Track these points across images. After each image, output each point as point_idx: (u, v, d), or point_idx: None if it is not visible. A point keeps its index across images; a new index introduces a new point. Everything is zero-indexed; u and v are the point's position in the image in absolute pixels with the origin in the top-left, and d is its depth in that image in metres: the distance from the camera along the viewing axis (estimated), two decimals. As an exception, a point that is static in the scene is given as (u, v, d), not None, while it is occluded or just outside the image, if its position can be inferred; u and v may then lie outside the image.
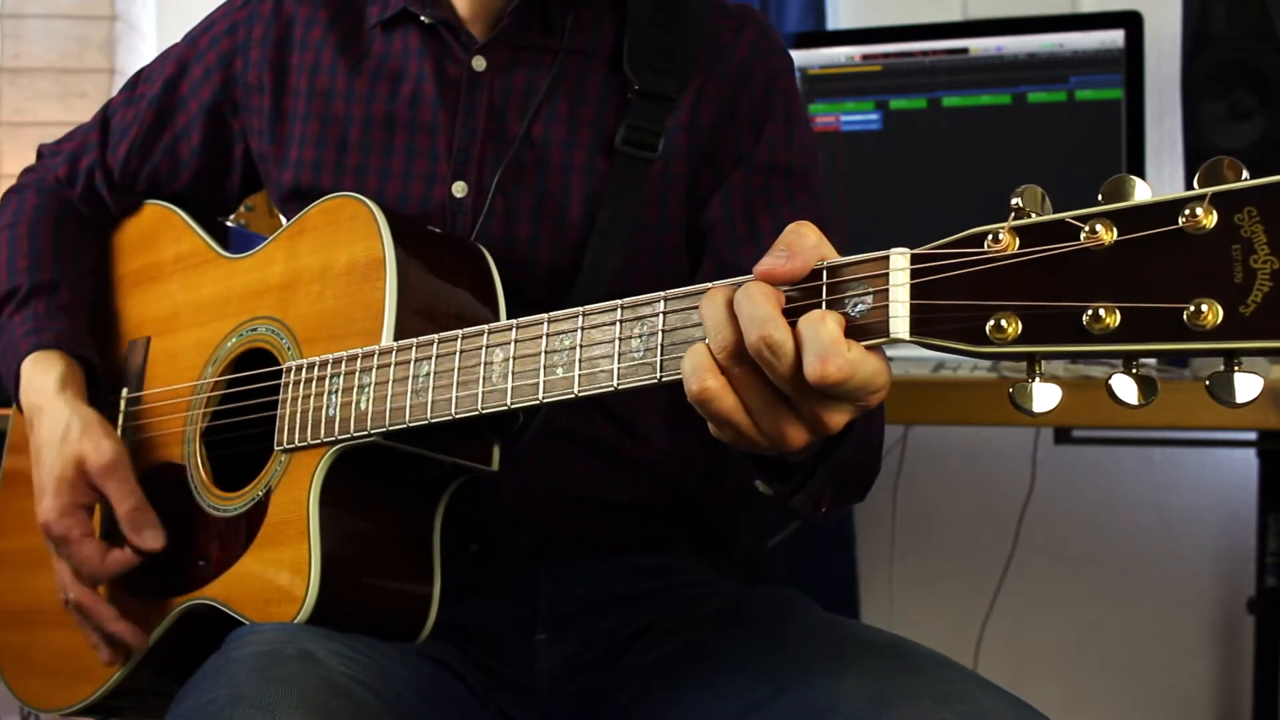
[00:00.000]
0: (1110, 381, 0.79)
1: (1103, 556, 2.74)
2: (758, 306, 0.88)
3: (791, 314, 0.88)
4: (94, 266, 1.55)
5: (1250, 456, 2.49)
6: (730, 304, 0.90)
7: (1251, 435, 2.38)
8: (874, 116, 2.35)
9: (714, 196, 1.37)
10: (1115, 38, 2.23)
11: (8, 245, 1.53)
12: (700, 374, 0.91)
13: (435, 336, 1.14)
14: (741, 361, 0.90)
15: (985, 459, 2.71)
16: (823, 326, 0.86)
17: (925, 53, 2.33)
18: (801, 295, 0.90)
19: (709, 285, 0.95)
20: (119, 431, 1.44)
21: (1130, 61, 2.22)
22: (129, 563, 1.32)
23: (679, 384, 0.94)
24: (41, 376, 1.41)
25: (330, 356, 1.22)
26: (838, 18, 2.82)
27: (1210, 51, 2.07)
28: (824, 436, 0.93)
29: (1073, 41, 2.25)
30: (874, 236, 0.89)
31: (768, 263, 0.90)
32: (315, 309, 1.27)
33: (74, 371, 1.42)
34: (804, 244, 0.90)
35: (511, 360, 1.07)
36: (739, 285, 0.90)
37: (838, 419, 0.91)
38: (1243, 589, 2.55)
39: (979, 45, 2.31)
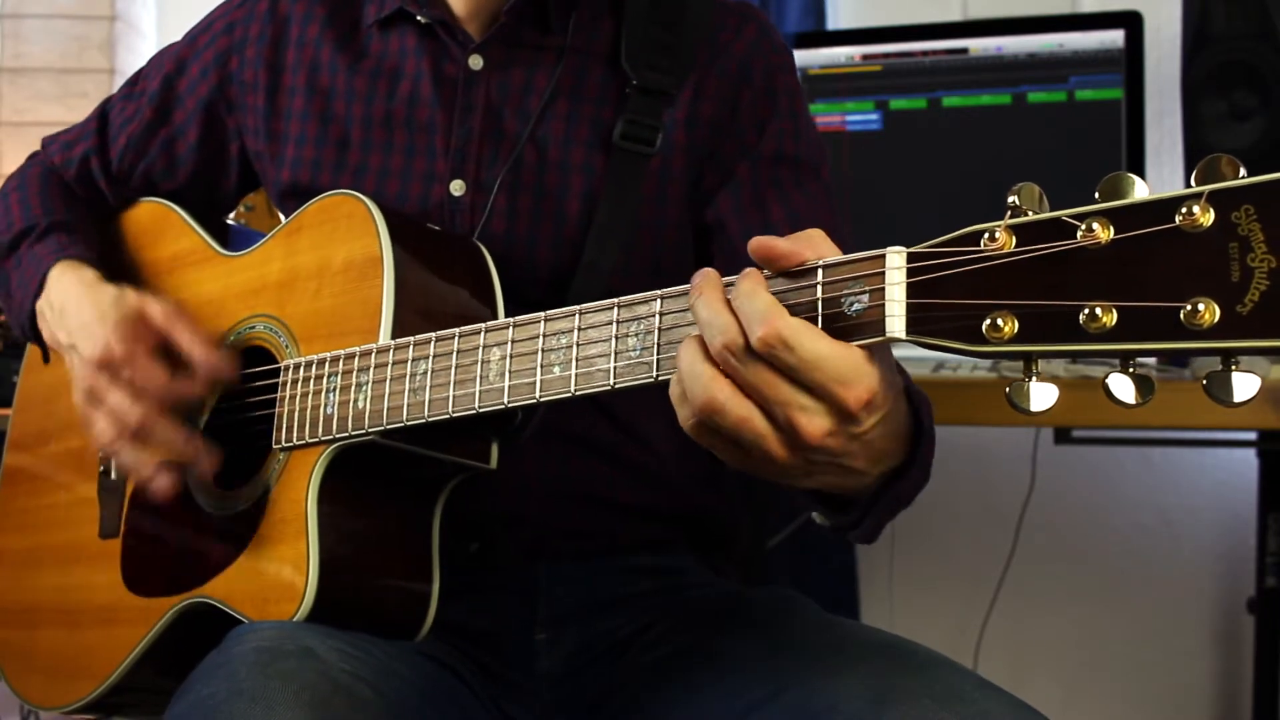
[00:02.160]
0: (1107, 381, 0.79)
1: (1103, 556, 2.74)
2: (757, 298, 0.87)
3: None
4: (99, 238, 1.55)
5: (1250, 456, 2.49)
6: (725, 299, 0.89)
7: (1251, 435, 2.38)
8: (874, 116, 2.35)
9: (721, 192, 1.37)
10: (1115, 38, 2.23)
11: (19, 201, 1.53)
12: (706, 382, 0.88)
13: (433, 335, 1.14)
14: (751, 358, 0.87)
15: (985, 459, 2.71)
16: (754, 298, 0.86)
17: (925, 53, 2.33)
18: (797, 293, 0.89)
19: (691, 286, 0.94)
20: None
21: (1130, 61, 2.22)
22: (195, 392, 1.29)
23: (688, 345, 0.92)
24: (76, 274, 1.40)
25: (328, 355, 1.22)
26: (838, 18, 2.82)
27: (1210, 51, 2.07)
28: (805, 453, 0.89)
29: (1073, 41, 2.25)
30: (874, 237, 0.89)
31: (766, 237, 0.90)
32: (313, 307, 1.27)
33: (108, 280, 1.40)
34: (811, 241, 0.90)
35: (509, 359, 1.07)
36: (730, 284, 0.90)
37: (813, 424, 0.87)
38: (1243, 589, 2.55)
39: (979, 45, 2.31)
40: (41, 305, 1.42)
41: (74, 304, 1.37)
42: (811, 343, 0.85)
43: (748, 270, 0.90)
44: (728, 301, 0.89)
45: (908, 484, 1.02)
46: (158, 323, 1.31)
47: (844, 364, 0.86)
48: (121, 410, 1.28)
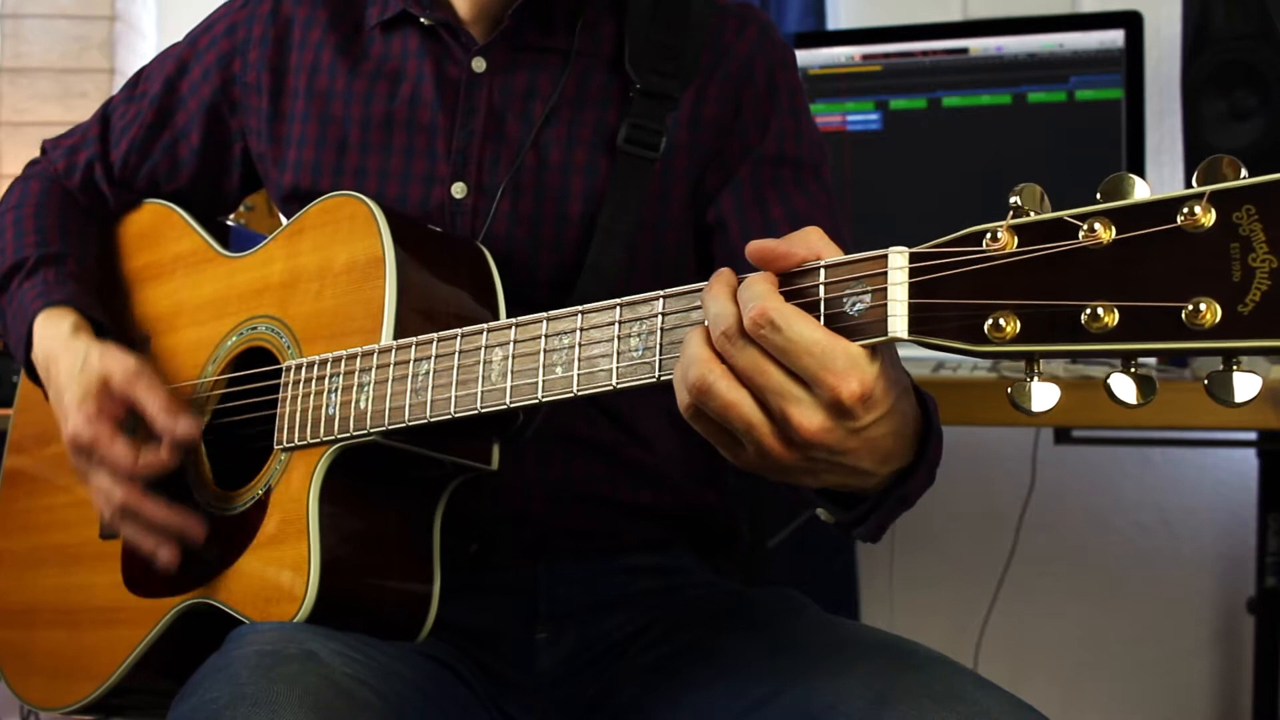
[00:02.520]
0: (1109, 381, 0.79)
1: (1103, 557, 2.74)
2: (755, 285, 0.88)
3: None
4: (97, 252, 1.55)
5: (1250, 456, 2.49)
6: (734, 292, 0.90)
7: (1251, 435, 2.38)
8: (874, 116, 2.35)
9: (723, 191, 1.37)
10: (1115, 38, 2.23)
11: (13, 225, 1.53)
12: (700, 364, 0.88)
13: (434, 335, 1.14)
14: (744, 341, 0.87)
15: (985, 459, 2.71)
16: (753, 285, 0.87)
17: (925, 53, 2.33)
18: (799, 293, 0.89)
19: (706, 284, 0.95)
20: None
21: (1130, 61, 2.23)
22: (163, 462, 1.29)
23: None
24: (55, 326, 1.41)
25: (330, 355, 1.22)
26: (838, 18, 2.82)
27: (1210, 51, 2.07)
28: (799, 449, 0.89)
29: (1073, 41, 2.25)
30: (874, 237, 0.89)
31: (762, 240, 0.90)
32: (315, 308, 1.27)
33: (85, 323, 1.42)
34: (806, 238, 0.90)
35: (511, 359, 1.07)
36: (742, 278, 0.90)
37: (807, 418, 0.87)
38: (1243, 589, 2.55)
39: (979, 45, 2.31)
40: (35, 357, 1.44)
41: (54, 366, 1.39)
42: (801, 325, 0.86)
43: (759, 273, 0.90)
44: (734, 294, 0.89)
45: (915, 484, 1.02)
46: (119, 391, 1.32)
47: (835, 353, 0.85)
48: (105, 492, 1.31)
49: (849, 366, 0.85)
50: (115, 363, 1.33)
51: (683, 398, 0.91)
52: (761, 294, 0.87)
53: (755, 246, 0.90)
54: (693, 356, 0.89)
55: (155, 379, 1.33)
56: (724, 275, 0.91)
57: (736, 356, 0.87)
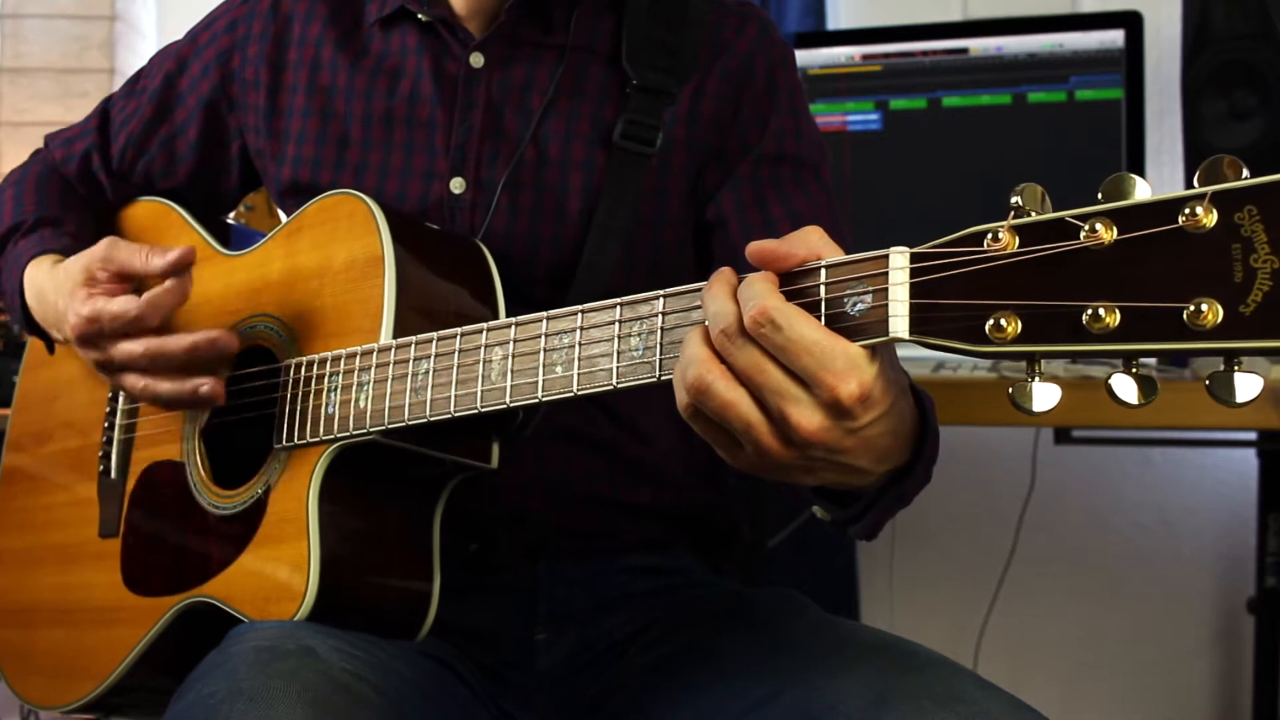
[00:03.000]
0: (1110, 381, 0.79)
1: (1103, 557, 2.74)
2: (755, 284, 0.88)
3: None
4: (95, 231, 1.55)
5: (1250, 456, 2.49)
6: (734, 291, 0.90)
7: (1251, 435, 2.38)
8: (874, 116, 2.35)
9: (722, 189, 1.37)
10: (1115, 38, 2.23)
11: (14, 198, 1.54)
12: (699, 364, 0.89)
13: (434, 334, 1.14)
14: (743, 339, 0.87)
15: (985, 459, 2.71)
16: (753, 284, 0.87)
17: (925, 53, 2.33)
18: (800, 293, 0.89)
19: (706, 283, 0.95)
20: (115, 430, 1.44)
21: (1130, 61, 2.23)
22: (168, 292, 1.27)
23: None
24: (40, 267, 1.43)
25: (329, 354, 1.22)
26: (838, 18, 2.82)
27: (1210, 51, 2.07)
28: (798, 448, 0.89)
29: (1073, 41, 2.25)
30: (874, 237, 0.89)
31: (762, 241, 0.90)
32: (314, 306, 1.27)
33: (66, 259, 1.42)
34: (806, 238, 0.90)
35: (510, 358, 1.07)
36: (742, 277, 0.90)
37: (805, 418, 0.87)
38: (1243, 589, 2.55)
39: (979, 45, 2.31)
40: (29, 302, 1.44)
41: (47, 295, 1.39)
42: (802, 325, 0.86)
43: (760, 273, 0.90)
44: (735, 293, 0.89)
45: (911, 483, 1.02)
46: (101, 270, 1.32)
47: (834, 353, 0.85)
48: (129, 356, 1.29)
49: (848, 367, 0.85)
50: (89, 252, 1.34)
51: (681, 398, 0.91)
52: (762, 293, 0.87)
53: (755, 247, 0.90)
54: (691, 356, 0.89)
55: (127, 242, 1.33)
56: (724, 274, 0.91)
57: (736, 355, 0.87)
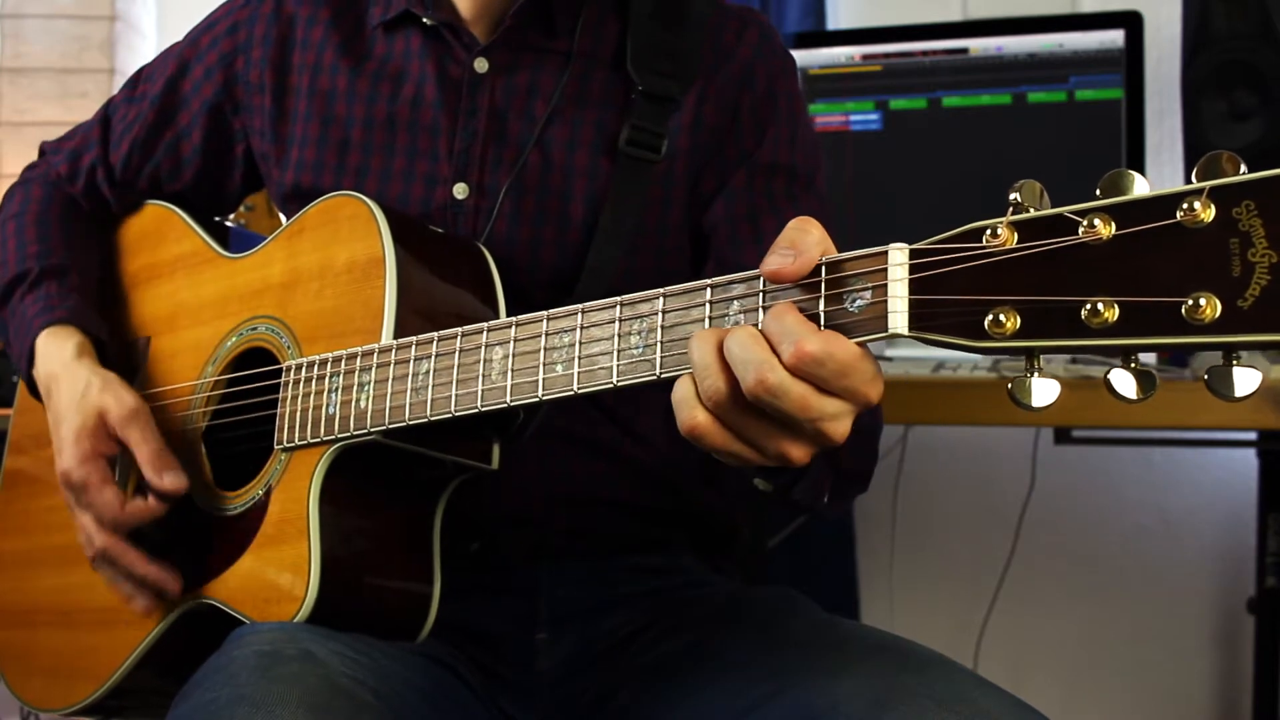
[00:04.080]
0: (1109, 376, 0.79)
1: (1103, 556, 2.74)
2: (749, 351, 0.88)
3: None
4: (100, 259, 1.55)
5: (1250, 456, 2.49)
6: (720, 348, 0.90)
7: (1251, 435, 2.38)
8: (874, 116, 2.35)
9: (717, 198, 1.37)
10: (1115, 38, 2.23)
11: (15, 234, 1.53)
12: (689, 408, 0.92)
13: (435, 334, 1.14)
14: (734, 404, 0.90)
15: (985, 459, 2.71)
16: (785, 316, 0.88)
17: (925, 53, 2.33)
18: (801, 291, 0.89)
19: (707, 282, 0.95)
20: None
21: (1130, 61, 2.23)
22: (150, 510, 1.29)
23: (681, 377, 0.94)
24: (59, 346, 1.41)
25: (330, 355, 1.22)
26: (838, 18, 2.83)
27: (1210, 51, 2.08)
28: (830, 447, 0.92)
29: (1073, 41, 2.26)
30: (873, 237, 0.89)
31: (774, 262, 0.90)
32: (315, 308, 1.27)
33: (88, 344, 1.42)
34: (808, 241, 0.90)
35: (511, 357, 1.07)
36: (728, 332, 0.90)
37: (841, 427, 0.90)
38: (1243, 589, 2.55)
39: (979, 45, 2.31)
40: (37, 377, 1.44)
41: (55, 389, 1.39)
42: (839, 350, 0.87)
43: (775, 308, 0.90)
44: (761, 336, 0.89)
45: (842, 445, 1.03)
46: (115, 431, 1.32)
47: (867, 367, 0.88)
48: (89, 535, 1.32)
49: (868, 369, 0.88)
50: (113, 400, 1.33)
51: (694, 417, 0.92)
52: (797, 327, 0.87)
53: (769, 271, 0.91)
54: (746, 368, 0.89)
55: (150, 422, 1.33)
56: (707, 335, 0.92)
57: (781, 400, 0.88)
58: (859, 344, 0.87)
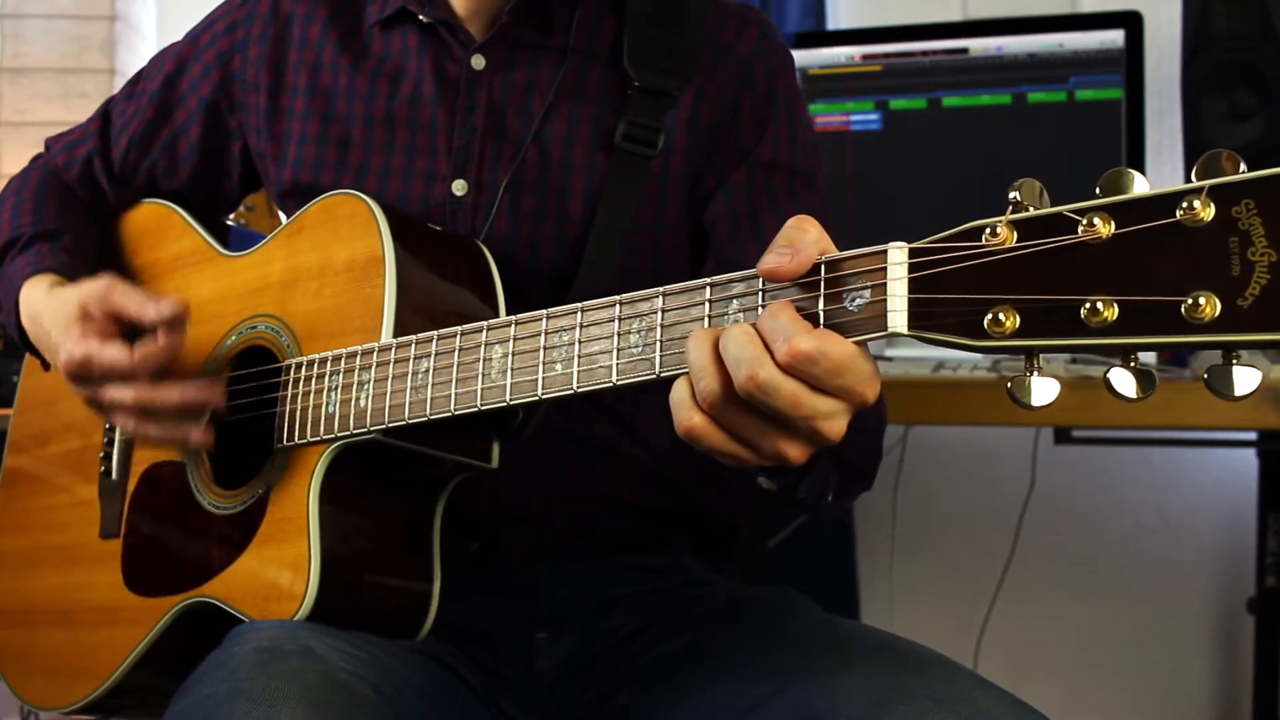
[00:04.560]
0: (1109, 375, 0.79)
1: (1103, 556, 2.74)
2: (742, 349, 0.88)
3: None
4: (97, 236, 1.55)
5: (1250, 456, 2.49)
6: (715, 348, 0.90)
7: (1251, 435, 2.38)
8: (874, 116, 2.35)
9: (716, 195, 1.37)
10: (1115, 38, 2.23)
11: (13, 208, 1.54)
12: (686, 409, 0.92)
13: (434, 333, 1.14)
14: (729, 403, 0.90)
15: (985, 459, 2.71)
16: (780, 314, 0.88)
17: (925, 53, 2.33)
18: (800, 290, 0.90)
19: (706, 281, 0.95)
20: (116, 431, 1.44)
21: (1130, 61, 2.23)
22: (161, 348, 1.27)
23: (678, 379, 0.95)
24: (37, 288, 1.42)
25: (330, 354, 1.22)
26: (838, 18, 2.83)
27: (1210, 51, 2.08)
28: (825, 446, 0.92)
29: (1073, 41, 2.26)
30: (873, 237, 0.89)
31: (770, 260, 0.90)
32: (315, 306, 1.27)
33: (65, 281, 1.41)
34: (805, 239, 0.91)
35: (511, 356, 1.07)
36: (724, 331, 0.90)
37: (836, 426, 0.90)
38: (1243, 589, 2.55)
39: (979, 45, 2.31)
40: (24, 323, 1.44)
41: (42, 320, 1.39)
42: (833, 348, 0.87)
43: (770, 306, 0.90)
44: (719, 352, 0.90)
45: (849, 444, 1.03)
46: (98, 308, 1.31)
47: (864, 366, 0.88)
48: (119, 400, 1.29)
49: (864, 368, 0.88)
50: (86, 288, 1.32)
51: (691, 419, 0.92)
52: (790, 325, 0.87)
53: (766, 269, 0.91)
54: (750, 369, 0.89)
55: (128, 285, 1.32)
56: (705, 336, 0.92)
57: (773, 397, 0.88)
58: (856, 343, 0.87)
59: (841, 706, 1.05)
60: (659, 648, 1.30)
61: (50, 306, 1.38)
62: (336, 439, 1.19)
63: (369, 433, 1.17)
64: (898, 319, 0.85)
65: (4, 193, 1.59)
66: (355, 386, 1.18)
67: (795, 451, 0.92)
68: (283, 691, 1.00)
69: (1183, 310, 0.74)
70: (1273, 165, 0.75)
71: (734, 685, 1.16)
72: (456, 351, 1.11)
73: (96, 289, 1.31)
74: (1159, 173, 2.54)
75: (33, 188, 1.57)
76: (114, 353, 1.27)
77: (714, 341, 0.90)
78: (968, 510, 2.76)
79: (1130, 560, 2.72)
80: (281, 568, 1.19)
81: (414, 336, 1.15)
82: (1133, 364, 0.79)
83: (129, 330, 1.30)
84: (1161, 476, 2.72)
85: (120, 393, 1.28)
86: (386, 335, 1.18)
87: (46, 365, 1.51)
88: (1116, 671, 2.73)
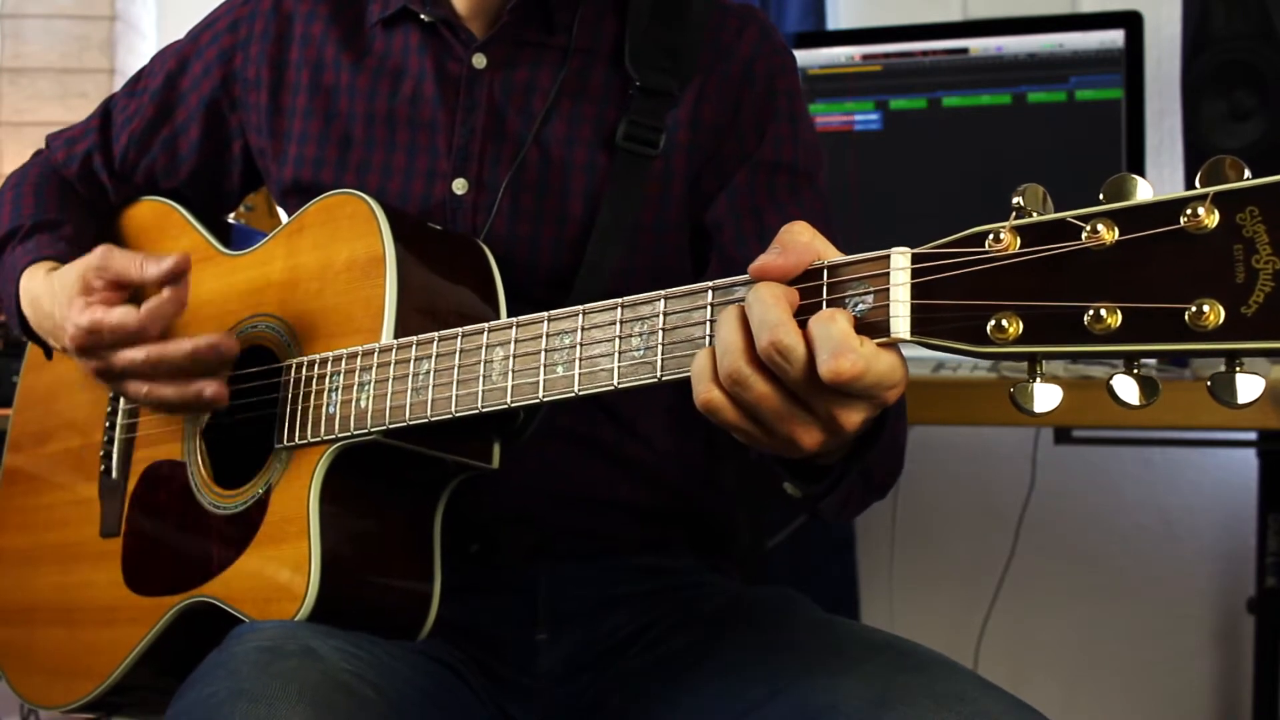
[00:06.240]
0: (1111, 382, 0.79)
1: (1103, 556, 2.74)
2: (768, 310, 0.88)
3: (795, 314, 0.88)
4: (96, 230, 1.55)
5: (1250, 456, 2.49)
6: (743, 318, 0.90)
7: (1251, 435, 2.38)
8: (874, 116, 2.35)
9: (719, 195, 1.37)
10: (1115, 38, 2.23)
11: (12, 200, 1.54)
12: (704, 382, 0.91)
13: (435, 334, 1.14)
14: (752, 369, 0.89)
15: (985, 459, 2.71)
16: (833, 324, 0.86)
17: (925, 53, 2.33)
18: (803, 295, 0.90)
19: (709, 284, 0.95)
20: (116, 430, 1.44)
21: (1130, 61, 2.22)
22: (165, 304, 1.26)
23: (679, 383, 0.95)
24: (37, 274, 1.42)
25: (330, 354, 1.22)
26: (838, 18, 2.82)
27: (1210, 51, 2.08)
28: (840, 437, 0.92)
29: (1073, 41, 2.25)
30: (874, 236, 0.89)
31: (761, 259, 0.91)
32: (315, 306, 1.27)
33: (61, 265, 1.41)
34: (797, 241, 0.91)
35: (512, 358, 1.07)
36: (750, 291, 0.90)
37: (854, 418, 0.90)
38: (1243, 589, 2.55)
39: (979, 45, 2.31)
40: (25, 311, 1.44)
41: (43, 303, 1.39)
42: (879, 363, 0.87)
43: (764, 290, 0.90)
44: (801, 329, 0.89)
45: (875, 455, 1.03)
46: (97, 278, 1.30)
47: (893, 369, 0.88)
48: (129, 363, 1.28)
49: (899, 378, 0.89)
50: (83, 261, 1.32)
51: (710, 392, 0.92)
52: (842, 340, 0.86)
53: (758, 269, 0.91)
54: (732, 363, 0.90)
55: (122, 250, 1.31)
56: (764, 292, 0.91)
57: (811, 400, 0.89)
58: (888, 350, 0.88)
59: (841, 706, 1.05)
60: (659, 648, 1.30)
61: (50, 288, 1.38)
62: (337, 440, 1.19)
63: (369, 434, 1.17)
64: (900, 324, 0.85)
65: (4, 186, 1.59)
66: (356, 387, 1.18)
67: (809, 438, 0.92)
68: (284, 691, 1.00)
69: (1186, 318, 0.74)
70: (1273, 166, 0.75)
71: (734, 685, 1.17)
72: (457, 353, 1.11)
73: (93, 260, 1.31)
74: (1159, 173, 2.54)
75: (32, 181, 1.57)
76: (121, 314, 1.27)
77: (742, 313, 0.90)
78: (968, 510, 2.76)
79: (1130, 560, 2.72)
80: (282, 568, 1.19)
81: (415, 337, 1.15)
82: (1136, 370, 0.79)
83: (133, 297, 1.31)
84: (1161, 476, 2.72)
85: (131, 353, 1.28)
86: (387, 335, 1.18)
87: (50, 354, 1.51)
88: (1116, 671, 2.73)
